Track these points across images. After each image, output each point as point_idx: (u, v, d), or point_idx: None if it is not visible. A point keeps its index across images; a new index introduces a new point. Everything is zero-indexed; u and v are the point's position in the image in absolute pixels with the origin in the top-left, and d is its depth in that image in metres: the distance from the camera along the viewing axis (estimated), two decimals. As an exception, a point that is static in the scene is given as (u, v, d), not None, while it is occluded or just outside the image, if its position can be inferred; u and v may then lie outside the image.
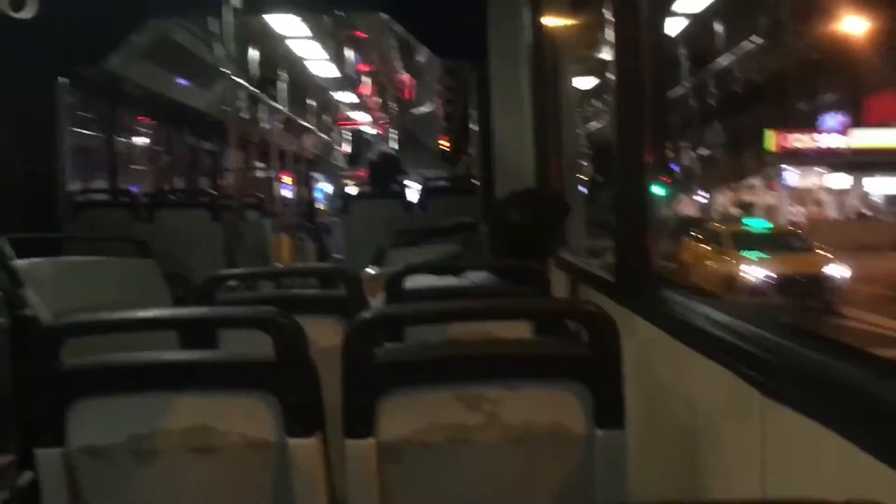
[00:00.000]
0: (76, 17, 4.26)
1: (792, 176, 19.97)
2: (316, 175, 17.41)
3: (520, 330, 1.95)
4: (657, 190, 2.03)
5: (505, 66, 3.97)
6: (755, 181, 20.51)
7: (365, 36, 8.58)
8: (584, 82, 8.37)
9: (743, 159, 20.23)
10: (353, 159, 16.11)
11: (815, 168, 19.90)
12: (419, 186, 7.31)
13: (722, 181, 20.97)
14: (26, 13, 2.91)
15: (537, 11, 3.36)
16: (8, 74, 4.25)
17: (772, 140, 19.41)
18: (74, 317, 1.42)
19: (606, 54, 2.05)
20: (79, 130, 7.66)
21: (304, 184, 12.89)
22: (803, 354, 1.14)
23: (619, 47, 1.91)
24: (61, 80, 4.56)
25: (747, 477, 1.30)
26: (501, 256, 2.36)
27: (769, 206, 19.88)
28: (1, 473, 2.41)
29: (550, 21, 3.30)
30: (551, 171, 3.34)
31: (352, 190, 6.75)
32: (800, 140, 19.48)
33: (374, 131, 14.60)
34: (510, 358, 1.40)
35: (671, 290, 1.75)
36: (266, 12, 5.82)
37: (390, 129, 15.70)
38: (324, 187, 13.21)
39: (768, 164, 19.61)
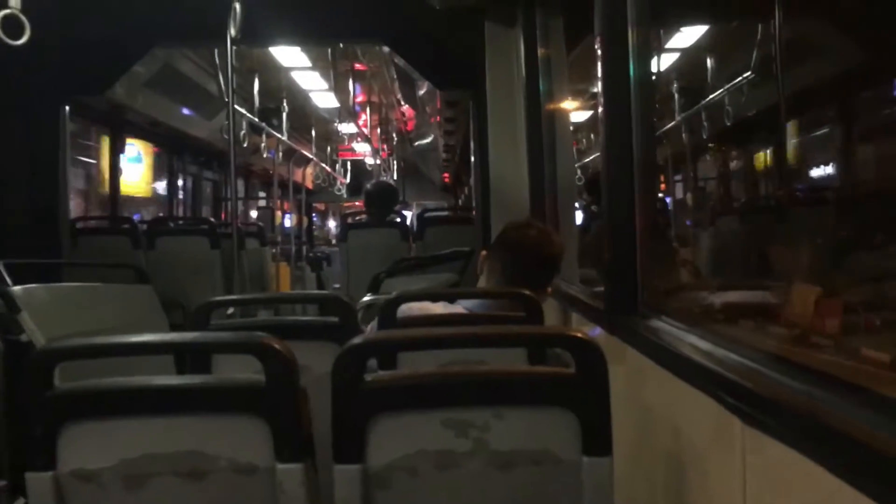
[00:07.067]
0: (82, 46, 4.33)
1: None
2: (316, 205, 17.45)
3: (513, 358, 1.97)
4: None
5: (501, 97, 4.02)
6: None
7: (366, 68, 8.66)
8: (583, 116, 8.45)
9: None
10: (353, 189, 16.18)
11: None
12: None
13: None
14: (21, 40, 2.95)
15: (530, 44, 3.41)
16: (14, 102, 4.31)
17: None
18: (67, 341, 1.43)
19: (597, 86, 2.09)
20: (81, 158, 7.73)
21: (304, 214, 12.95)
22: (783, 383, 1.15)
23: (606, 76, 1.95)
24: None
25: (730, 504, 1.31)
26: (512, 285, 2.30)
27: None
28: (-7, 499, 2.41)
29: (543, 53, 3.35)
30: (546, 202, 3.37)
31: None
32: None
33: (376, 161, 14.67)
34: (498, 384, 1.41)
35: (660, 318, 1.77)
36: (267, 45, 5.89)
37: (392, 160, 15.78)
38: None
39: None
